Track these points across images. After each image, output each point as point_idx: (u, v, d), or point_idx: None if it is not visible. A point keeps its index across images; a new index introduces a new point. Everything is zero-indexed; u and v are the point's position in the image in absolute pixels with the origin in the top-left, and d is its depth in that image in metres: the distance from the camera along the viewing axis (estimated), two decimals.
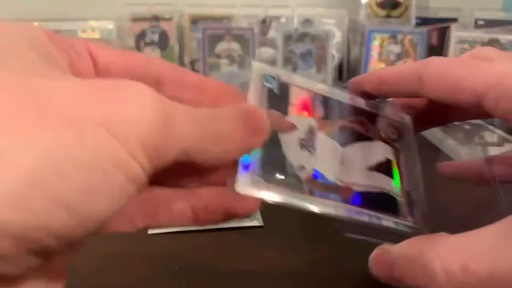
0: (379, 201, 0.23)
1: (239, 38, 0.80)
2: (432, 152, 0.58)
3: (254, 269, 0.33)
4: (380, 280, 0.22)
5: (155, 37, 0.87)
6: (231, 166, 0.20)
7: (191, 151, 0.16)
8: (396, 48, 0.85)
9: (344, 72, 0.92)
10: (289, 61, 0.81)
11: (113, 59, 0.19)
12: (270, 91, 0.23)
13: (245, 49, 0.80)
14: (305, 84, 0.25)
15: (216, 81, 0.22)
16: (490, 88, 0.21)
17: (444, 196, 0.34)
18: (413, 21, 0.89)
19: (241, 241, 0.37)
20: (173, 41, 0.88)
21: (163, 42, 0.87)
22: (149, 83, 0.19)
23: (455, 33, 0.79)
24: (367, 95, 0.26)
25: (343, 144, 0.24)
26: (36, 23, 0.83)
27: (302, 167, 0.22)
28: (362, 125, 0.25)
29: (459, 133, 0.62)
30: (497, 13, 0.91)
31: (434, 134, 0.61)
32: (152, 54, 0.87)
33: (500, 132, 0.64)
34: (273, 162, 0.21)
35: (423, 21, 0.90)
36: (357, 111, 0.26)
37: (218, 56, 0.79)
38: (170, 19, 0.88)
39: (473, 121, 0.68)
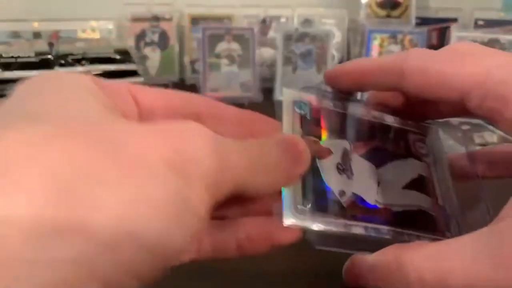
0: (417, 220, 0.23)
1: (239, 38, 0.80)
2: None
3: (254, 269, 0.33)
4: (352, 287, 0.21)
5: (155, 37, 0.87)
6: (273, 196, 0.20)
7: (242, 184, 0.17)
8: (396, 48, 0.85)
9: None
10: (289, 61, 0.81)
11: (154, 101, 0.20)
12: (302, 117, 0.23)
13: (245, 49, 0.80)
14: (336, 106, 0.25)
15: (250, 111, 0.22)
16: (475, 86, 0.20)
17: None
18: (413, 21, 0.89)
19: None
20: (173, 41, 0.88)
21: (163, 42, 0.87)
22: (189, 118, 0.20)
23: (455, 33, 0.79)
24: (341, 90, 0.25)
25: (378, 164, 0.24)
26: (36, 23, 0.84)
27: (343, 192, 0.22)
28: (393, 143, 0.25)
29: (458, 133, 0.62)
30: (497, 13, 0.91)
31: None
32: (152, 54, 0.87)
33: (500, 132, 0.64)
34: (315, 189, 0.21)
35: (423, 21, 0.90)
36: (386, 129, 0.25)
37: (218, 56, 0.79)
38: (170, 19, 0.88)
39: (473, 121, 0.68)
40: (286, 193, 0.20)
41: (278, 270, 0.33)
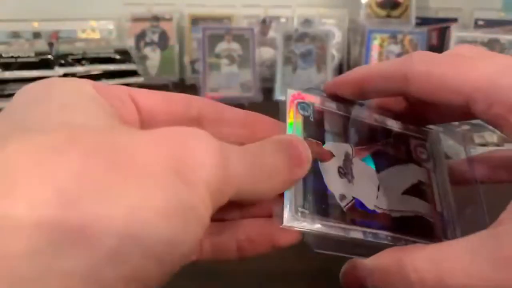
0: (415, 226, 0.23)
1: (239, 38, 0.80)
2: None
3: (254, 269, 0.33)
4: None
5: (155, 37, 0.87)
6: (274, 197, 0.20)
7: (242, 190, 0.17)
8: (396, 48, 0.85)
9: (344, 72, 0.91)
10: (289, 61, 0.81)
11: (155, 104, 0.20)
12: (306, 118, 0.23)
13: (245, 49, 0.80)
14: (338, 109, 0.24)
15: (253, 113, 0.22)
16: (480, 91, 0.20)
17: None
18: (413, 21, 0.89)
19: None
20: (173, 41, 0.88)
21: (163, 42, 0.88)
22: (191, 121, 0.20)
23: (455, 33, 0.79)
24: (341, 98, 0.25)
25: (379, 169, 0.24)
26: (36, 23, 0.84)
27: (343, 196, 0.22)
28: (394, 147, 0.25)
29: (458, 133, 0.62)
30: (497, 13, 0.91)
31: None
32: (152, 54, 0.87)
33: (499, 132, 0.64)
34: (316, 192, 0.21)
35: (423, 21, 0.90)
36: (388, 133, 0.25)
37: (218, 56, 0.79)
38: (170, 19, 0.88)
39: (473, 121, 0.68)
40: (287, 195, 0.20)
41: (278, 270, 0.33)
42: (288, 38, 0.82)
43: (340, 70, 0.89)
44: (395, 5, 0.90)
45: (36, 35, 0.83)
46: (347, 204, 0.22)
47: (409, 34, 0.85)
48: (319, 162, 0.22)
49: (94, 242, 0.12)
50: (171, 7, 0.88)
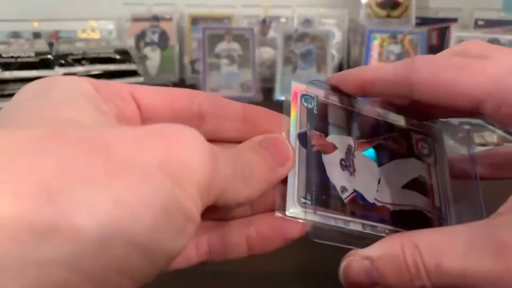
0: (412, 219, 0.24)
1: (239, 38, 0.80)
2: None
3: (254, 269, 0.33)
4: (352, 286, 0.21)
5: (155, 37, 0.87)
6: (276, 187, 0.20)
7: (225, 193, 0.17)
8: (396, 48, 0.85)
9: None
10: (289, 61, 0.81)
11: (156, 101, 0.20)
12: (310, 111, 0.23)
13: (245, 49, 0.80)
14: (342, 102, 0.25)
15: (253, 106, 0.22)
16: (489, 93, 0.20)
17: None
18: (413, 21, 0.89)
19: None
20: (173, 41, 0.88)
21: (163, 42, 0.88)
22: (192, 116, 0.20)
23: (455, 33, 0.79)
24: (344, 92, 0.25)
25: (380, 162, 0.24)
26: (36, 23, 0.84)
27: (344, 189, 0.22)
28: (396, 142, 0.25)
29: (459, 133, 0.62)
30: (497, 13, 0.91)
31: None
32: (152, 54, 0.87)
33: (500, 132, 0.64)
34: (318, 184, 0.22)
35: (423, 21, 0.90)
36: (390, 128, 0.26)
37: (218, 56, 0.79)
38: (170, 19, 0.88)
39: (473, 121, 0.68)
40: (289, 185, 0.20)
41: (278, 270, 0.33)
42: (288, 38, 0.82)
43: (340, 70, 0.89)
44: (395, 5, 0.90)
45: (36, 35, 0.83)
46: (348, 196, 0.22)
47: (409, 34, 0.85)
48: (322, 154, 0.22)
49: (75, 232, 0.12)
50: (171, 7, 0.88)
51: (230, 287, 0.32)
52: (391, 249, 0.20)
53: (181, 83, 0.88)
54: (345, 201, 0.22)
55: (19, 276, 0.12)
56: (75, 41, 0.74)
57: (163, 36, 0.88)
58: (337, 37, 0.90)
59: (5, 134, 0.13)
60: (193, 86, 0.83)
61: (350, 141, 0.24)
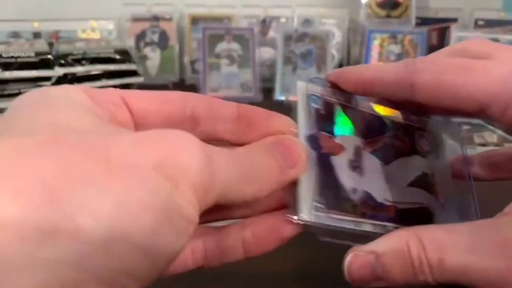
0: (419, 217, 0.24)
1: (239, 38, 0.80)
2: None
3: (254, 269, 0.33)
4: (357, 283, 0.21)
5: (155, 37, 0.87)
6: (286, 190, 0.20)
7: (228, 193, 0.17)
8: (396, 48, 0.85)
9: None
10: (289, 61, 0.81)
11: (148, 105, 0.20)
12: (317, 111, 0.23)
13: (245, 49, 0.80)
14: (346, 101, 0.24)
15: (248, 106, 0.21)
16: (494, 96, 0.19)
17: None
18: (413, 21, 0.89)
19: None
20: (173, 41, 0.88)
21: (163, 42, 0.88)
22: (186, 120, 0.20)
23: (455, 33, 0.79)
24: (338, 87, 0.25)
25: (386, 161, 0.24)
26: (36, 23, 0.84)
27: (355, 190, 0.22)
28: (399, 139, 0.25)
29: (459, 133, 0.62)
30: (497, 13, 0.91)
31: None
32: (152, 54, 0.87)
33: (500, 132, 0.64)
34: (329, 186, 0.22)
35: (423, 21, 0.90)
36: (392, 125, 0.25)
37: (218, 56, 0.79)
38: (170, 19, 0.88)
39: (473, 121, 0.68)
40: (302, 189, 0.20)
41: (278, 270, 0.33)
42: (288, 38, 0.82)
43: None
44: (395, 5, 0.90)
45: (36, 35, 0.83)
46: (359, 197, 0.22)
47: (409, 34, 0.85)
48: (331, 156, 0.22)
49: (78, 232, 0.12)
50: (171, 7, 0.88)
51: (231, 286, 0.32)
52: (396, 244, 0.20)
53: (181, 83, 0.88)
54: (356, 202, 0.22)
55: (26, 275, 0.12)
56: (75, 41, 0.74)
57: (163, 36, 0.88)
58: (337, 37, 0.90)
59: (6, 140, 0.14)
60: (193, 86, 0.83)
61: (357, 140, 0.24)
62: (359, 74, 0.23)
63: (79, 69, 0.65)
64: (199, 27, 0.80)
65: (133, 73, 0.70)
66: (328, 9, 0.93)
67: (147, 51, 0.87)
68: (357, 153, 0.23)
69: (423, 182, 0.25)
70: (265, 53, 0.87)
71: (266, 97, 0.78)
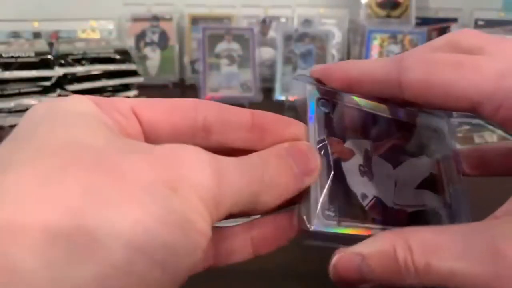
0: (428, 220, 0.23)
1: (239, 38, 0.80)
2: None
3: (254, 269, 0.33)
4: (342, 285, 0.21)
5: (155, 37, 0.87)
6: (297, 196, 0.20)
7: (241, 204, 0.17)
8: (396, 48, 0.85)
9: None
10: (289, 61, 0.81)
11: (158, 115, 0.20)
12: (326, 115, 0.22)
13: (245, 49, 0.80)
14: (357, 103, 0.24)
15: (259, 113, 0.21)
16: (486, 96, 0.19)
17: None
18: (413, 21, 0.89)
19: None
20: (173, 41, 0.88)
21: (163, 42, 0.88)
22: (198, 129, 0.20)
23: None
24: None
25: (395, 164, 0.24)
26: (36, 23, 0.84)
27: (365, 196, 0.22)
28: (407, 141, 0.25)
29: (459, 133, 0.62)
30: (497, 13, 0.91)
31: None
32: (152, 54, 0.87)
33: (500, 132, 0.64)
34: (340, 193, 0.21)
35: (423, 21, 0.90)
36: (400, 126, 0.25)
37: (218, 56, 0.79)
38: (170, 19, 0.88)
39: (473, 121, 0.68)
40: (313, 197, 0.20)
41: (278, 270, 0.33)
42: (288, 38, 0.82)
43: None
44: (395, 5, 0.90)
45: (36, 35, 0.83)
46: (369, 203, 0.22)
47: (409, 34, 0.85)
48: (341, 161, 0.22)
49: (103, 253, 0.13)
50: (171, 7, 0.88)
51: (231, 287, 0.32)
52: (383, 246, 0.20)
53: (181, 83, 0.88)
54: (366, 208, 0.22)
55: None
56: (75, 41, 0.74)
57: (163, 36, 0.88)
58: (337, 37, 0.90)
59: (25, 163, 0.14)
60: (193, 86, 0.83)
61: (367, 144, 0.23)
62: (345, 71, 0.23)
63: (79, 69, 0.65)
64: (199, 27, 0.80)
65: (133, 73, 0.70)
66: (328, 9, 0.93)
67: (147, 51, 0.87)
68: (366, 157, 0.23)
69: (431, 184, 0.24)
70: (265, 53, 0.87)
71: (266, 97, 0.78)
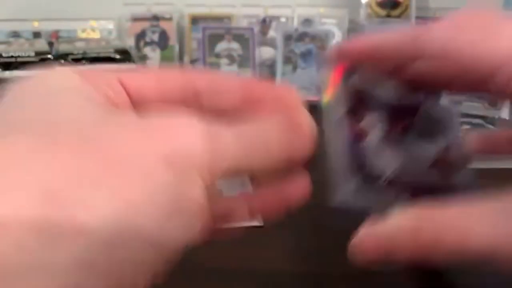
0: (437, 196, 0.24)
1: (239, 37, 0.80)
2: None
3: (254, 269, 0.33)
4: (365, 262, 0.20)
5: (155, 37, 0.87)
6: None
7: (237, 168, 0.17)
8: None
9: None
10: (289, 61, 0.81)
11: (146, 86, 0.19)
12: (350, 91, 0.24)
13: (245, 48, 0.80)
14: (373, 84, 0.25)
15: (252, 80, 0.21)
16: (506, 58, 0.19)
17: None
18: (413, 21, 0.89)
19: (241, 241, 0.37)
20: (173, 41, 0.88)
21: (163, 42, 0.87)
22: (188, 98, 0.19)
23: None
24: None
25: (408, 144, 0.25)
26: (36, 23, 0.84)
27: (384, 170, 0.24)
28: (421, 120, 0.26)
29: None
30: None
31: None
32: (152, 54, 0.87)
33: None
34: (361, 168, 0.23)
35: (423, 21, 0.90)
36: (410, 110, 0.26)
37: (218, 56, 0.79)
38: (170, 19, 0.88)
39: (473, 120, 0.68)
40: (335, 171, 0.21)
41: (278, 270, 0.33)
42: (288, 38, 0.82)
43: None
44: (395, 5, 0.90)
45: (36, 34, 0.83)
46: (389, 177, 0.24)
47: None
48: (360, 137, 0.24)
49: (84, 233, 0.12)
50: (171, 6, 0.88)
51: (232, 286, 0.32)
52: (409, 222, 0.19)
53: None
54: (385, 181, 0.23)
55: (26, 284, 0.11)
56: (75, 41, 0.74)
57: (163, 35, 0.88)
58: (337, 36, 0.90)
59: (3, 141, 0.13)
60: None
61: (384, 122, 0.25)
62: (367, 38, 0.23)
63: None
64: (199, 27, 0.80)
65: None
66: (328, 9, 0.93)
67: (147, 50, 0.87)
68: (385, 134, 0.24)
69: (441, 163, 0.26)
70: (265, 52, 0.87)
71: None
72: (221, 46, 0.80)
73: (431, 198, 0.23)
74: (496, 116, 0.73)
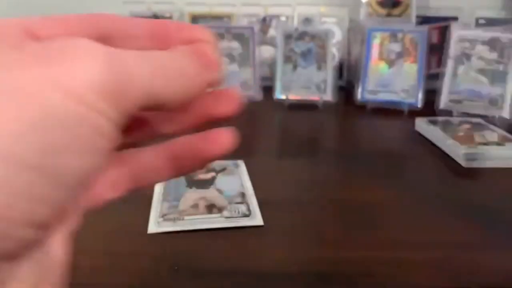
0: None
1: (239, 37, 0.80)
2: (432, 152, 0.58)
3: (254, 269, 0.33)
4: None
5: None
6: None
7: (152, 92, 0.16)
8: (396, 47, 0.85)
9: (345, 71, 0.92)
10: (289, 60, 0.81)
11: (55, 31, 0.19)
12: None
13: (245, 48, 0.80)
14: None
15: (164, 21, 0.20)
16: None
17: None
18: (414, 19, 0.89)
19: (241, 241, 0.37)
20: None
21: None
22: (97, 40, 0.18)
23: (455, 32, 0.79)
24: None
25: None
26: None
27: None
28: None
29: (459, 132, 0.62)
30: (498, 11, 0.91)
31: (433, 133, 0.61)
32: None
33: (500, 131, 0.64)
34: None
35: (423, 20, 0.90)
36: None
37: None
38: (170, 18, 0.87)
39: (473, 120, 0.68)
40: None
41: (278, 270, 0.33)
42: (288, 37, 0.81)
43: (340, 69, 0.89)
44: (396, 4, 0.90)
45: None
46: None
47: (409, 33, 0.84)
48: None
49: None
50: (171, 5, 0.88)
51: (232, 286, 0.32)
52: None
53: None
54: None
55: None
56: None
57: None
58: (337, 35, 0.90)
59: None
60: None
61: None
62: None
63: None
64: None
65: None
66: (328, 8, 0.93)
67: None
68: None
69: None
70: (265, 51, 0.87)
71: (266, 96, 0.78)
72: (221, 45, 0.79)
73: None
74: (497, 116, 0.73)
